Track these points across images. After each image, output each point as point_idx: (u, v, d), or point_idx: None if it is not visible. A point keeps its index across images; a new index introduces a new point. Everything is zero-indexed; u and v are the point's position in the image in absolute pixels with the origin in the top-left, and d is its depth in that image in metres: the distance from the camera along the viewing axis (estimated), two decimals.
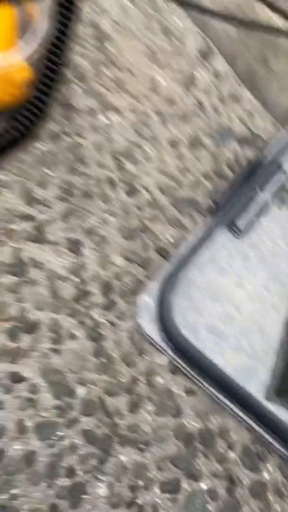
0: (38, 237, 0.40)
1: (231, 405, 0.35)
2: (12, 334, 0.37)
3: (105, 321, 0.38)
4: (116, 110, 0.45)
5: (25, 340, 0.37)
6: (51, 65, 0.39)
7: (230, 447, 0.35)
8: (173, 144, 0.44)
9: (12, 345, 0.36)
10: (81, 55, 0.47)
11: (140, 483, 0.33)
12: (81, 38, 0.47)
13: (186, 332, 0.36)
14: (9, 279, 0.38)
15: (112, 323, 0.38)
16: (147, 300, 0.38)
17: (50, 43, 0.38)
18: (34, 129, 0.42)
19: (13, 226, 0.40)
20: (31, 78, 0.40)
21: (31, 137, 0.43)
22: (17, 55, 0.37)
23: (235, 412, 0.35)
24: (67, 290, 0.38)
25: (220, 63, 0.48)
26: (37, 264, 0.39)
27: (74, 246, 0.40)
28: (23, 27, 0.43)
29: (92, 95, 0.45)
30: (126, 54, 0.48)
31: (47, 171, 0.42)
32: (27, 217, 0.40)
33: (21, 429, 0.34)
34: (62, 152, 0.43)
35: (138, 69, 0.47)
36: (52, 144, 0.43)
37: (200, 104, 0.46)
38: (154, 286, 0.38)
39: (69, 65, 0.43)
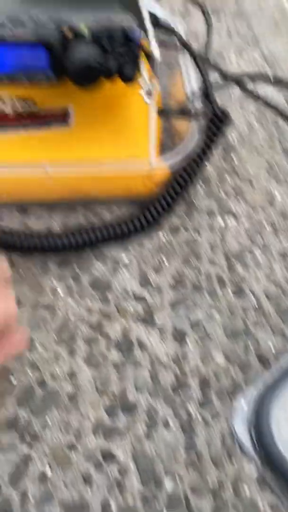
0: (147, 320, 0.42)
1: None
2: (110, 411, 0.38)
3: (199, 417, 0.38)
4: (233, 215, 0.48)
5: (121, 419, 0.38)
6: (189, 171, 0.44)
7: None
8: (283, 255, 0.46)
9: (109, 422, 0.37)
10: (208, 161, 0.52)
11: None
12: None
13: (281, 447, 0.36)
14: (115, 356, 0.40)
15: (205, 421, 0.38)
16: (243, 405, 0.38)
17: (194, 154, 0.43)
18: (159, 220, 0.46)
19: (126, 305, 0.43)
20: (168, 178, 0.45)
21: (156, 227, 0.47)
22: (161, 161, 0.42)
23: None
24: (167, 378, 0.40)
25: None
26: (143, 346, 0.41)
27: (179, 335, 0.42)
28: (172, 137, 0.48)
29: (213, 198, 0.49)
30: (248, 166, 0.52)
31: (164, 259, 0.45)
32: (140, 298, 0.43)
33: (105, 510, 0.35)
34: (179, 245, 0.46)
35: (257, 181, 0.51)
36: (172, 235, 0.47)
37: None
38: (251, 392, 0.39)
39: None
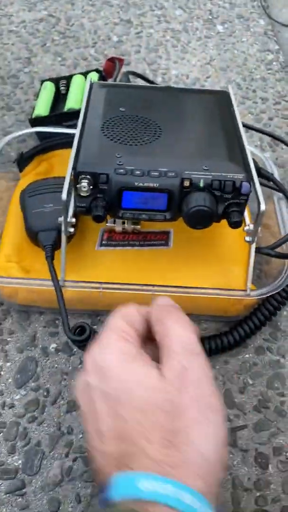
0: (230, 442, 0.44)
1: None
2: None
3: None
4: None
5: None
6: (274, 304, 0.47)
7: None
8: None
9: None
10: None
11: None
12: None
13: None
14: None
15: None
16: None
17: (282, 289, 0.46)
18: (245, 339, 0.49)
19: None
20: (255, 304, 0.48)
21: (241, 346, 0.49)
22: (255, 291, 0.46)
23: None
24: (248, 504, 0.40)
25: None
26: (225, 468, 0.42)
27: (261, 460, 0.43)
28: (263, 270, 0.53)
29: None
30: None
31: (248, 379, 0.48)
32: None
33: None
34: (263, 366, 0.48)
35: None
36: (256, 356, 0.49)
37: None
38: None
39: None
